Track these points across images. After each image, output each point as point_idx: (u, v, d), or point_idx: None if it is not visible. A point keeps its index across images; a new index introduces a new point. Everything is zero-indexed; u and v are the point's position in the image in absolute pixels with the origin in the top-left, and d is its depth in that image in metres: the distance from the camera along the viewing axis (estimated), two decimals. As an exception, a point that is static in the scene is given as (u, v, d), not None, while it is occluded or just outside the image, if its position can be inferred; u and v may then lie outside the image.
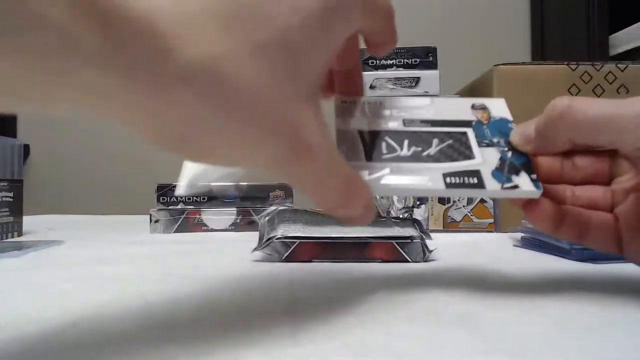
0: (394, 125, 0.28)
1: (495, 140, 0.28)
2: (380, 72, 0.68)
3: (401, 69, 0.68)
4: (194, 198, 0.65)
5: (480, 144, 0.27)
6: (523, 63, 0.64)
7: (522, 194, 0.26)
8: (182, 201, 0.65)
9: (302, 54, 0.19)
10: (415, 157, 0.27)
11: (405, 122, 0.28)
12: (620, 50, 1.26)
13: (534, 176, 0.26)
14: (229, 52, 0.17)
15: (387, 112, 0.29)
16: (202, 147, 0.19)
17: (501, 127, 0.28)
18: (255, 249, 0.40)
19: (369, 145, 0.27)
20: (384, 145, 0.27)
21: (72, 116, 0.19)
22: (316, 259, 0.40)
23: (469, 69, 0.90)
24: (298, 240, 0.39)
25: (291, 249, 0.39)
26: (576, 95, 0.62)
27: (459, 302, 0.26)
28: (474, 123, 0.28)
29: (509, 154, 0.27)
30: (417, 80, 0.67)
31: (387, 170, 0.26)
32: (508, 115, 0.29)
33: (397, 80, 0.67)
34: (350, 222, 0.24)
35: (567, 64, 0.63)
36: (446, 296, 0.27)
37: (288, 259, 0.39)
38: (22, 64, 0.15)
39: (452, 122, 0.28)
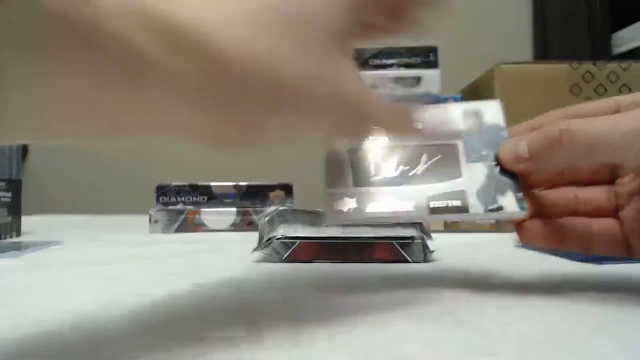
0: (382, 139, 0.28)
1: (484, 153, 0.27)
2: (381, 72, 0.68)
3: (402, 68, 0.67)
4: (194, 198, 0.65)
5: (468, 159, 0.27)
6: (525, 62, 0.64)
7: (506, 215, 0.26)
8: (182, 201, 0.65)
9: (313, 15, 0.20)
10: (403, 179, 0.27)
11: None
12: (622, 49, 1.26)
13: (520, 195, 0.26)
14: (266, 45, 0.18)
15: None
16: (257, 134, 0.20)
17: (492, 136, 0.28)
18: (255, 249, 0.40)
19: (356, 164, 0.27)
20: (372, 166, 0.27)
21: (145, 140, 0.20)
22: (317, 259, 0.39)
23: (471, 68, 0.90)
24: (298, 241, 0.39)
25: (291, 249, 0.39)
26: (578, 94, 0.62)
27: (460, 302, 0.26)
28: (464, 133, 0.28)
29: (497, 169, 0.27)
30: (418, 79, 0.67)
31: (372, 197, 0.26)
32: (501, 121, 0.28)
33: (398, 79, 0.67)
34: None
35: (569, 63, 0.63)
36: (447, 296, 0.27)
37: (288, 260, 0.39)
38: (98, 83, 0.16)
39: (442, 134, 0.28)
